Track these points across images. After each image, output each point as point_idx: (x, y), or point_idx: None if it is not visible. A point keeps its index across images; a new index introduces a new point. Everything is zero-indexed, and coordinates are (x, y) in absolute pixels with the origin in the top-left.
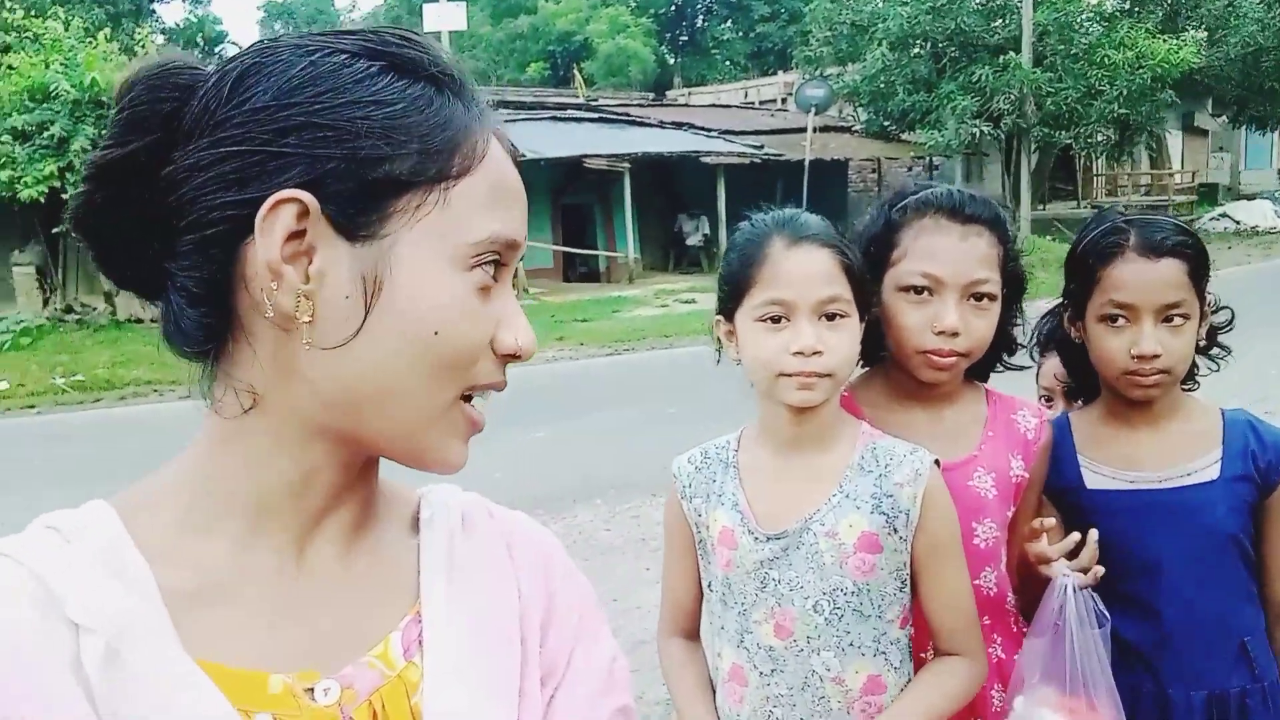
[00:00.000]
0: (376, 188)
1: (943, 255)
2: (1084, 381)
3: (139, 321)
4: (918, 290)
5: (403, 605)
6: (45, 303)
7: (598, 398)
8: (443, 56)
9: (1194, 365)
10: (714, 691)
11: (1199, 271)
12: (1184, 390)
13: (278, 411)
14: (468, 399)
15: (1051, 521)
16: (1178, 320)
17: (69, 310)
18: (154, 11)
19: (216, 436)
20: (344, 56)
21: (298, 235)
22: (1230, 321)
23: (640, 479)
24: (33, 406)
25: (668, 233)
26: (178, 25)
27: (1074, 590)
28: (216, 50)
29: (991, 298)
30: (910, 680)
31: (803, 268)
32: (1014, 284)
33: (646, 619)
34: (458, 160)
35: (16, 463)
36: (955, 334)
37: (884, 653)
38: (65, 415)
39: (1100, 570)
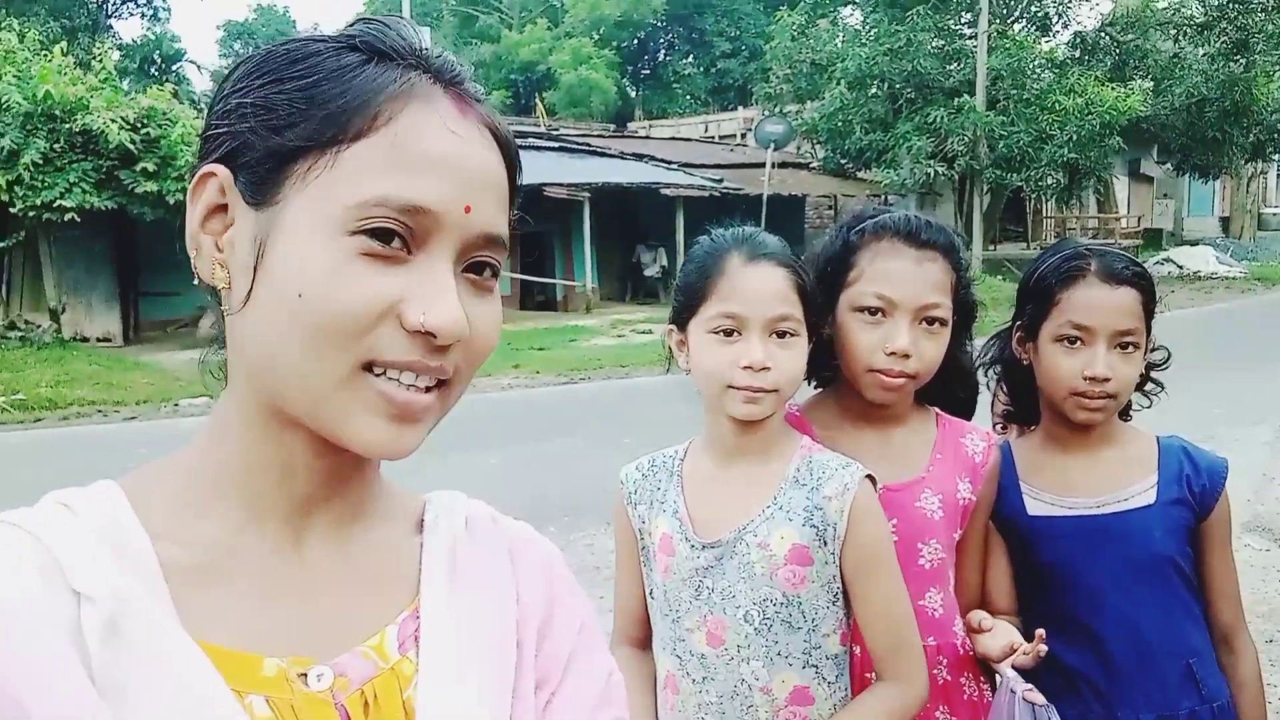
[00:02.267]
0: (277, 154)
1: (897, 278)
2: (1024, 406)
3: (84, 340)
4: (871, 311)
5: (401, 601)
6: None
7: (552, 425)
8: (389, 30)
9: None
10: None
11: (1149, 305)
12: (1121, 420)
13: (238, 388)
14: (380, 373)
15: (990, 621)
16: (1129, 348)
17: (12, 327)
18: (110, 27)
19: (211, 419)
20: (317, 45)
21: (222, 208)
22: (1166, 360)
23: (593, 507)
24: None
25: (626, 263)
26: (134, 41)
27: (1020, 698)
28: (174, 69)
29: (943, 322)
30: (844, 696)
31: (758, 284)
32: (964, 312)
33: None
34: (355, 123)
35: None
36: (906, 355)
37: (815, 665)
38: (4, 435)
39: (1043, 649)
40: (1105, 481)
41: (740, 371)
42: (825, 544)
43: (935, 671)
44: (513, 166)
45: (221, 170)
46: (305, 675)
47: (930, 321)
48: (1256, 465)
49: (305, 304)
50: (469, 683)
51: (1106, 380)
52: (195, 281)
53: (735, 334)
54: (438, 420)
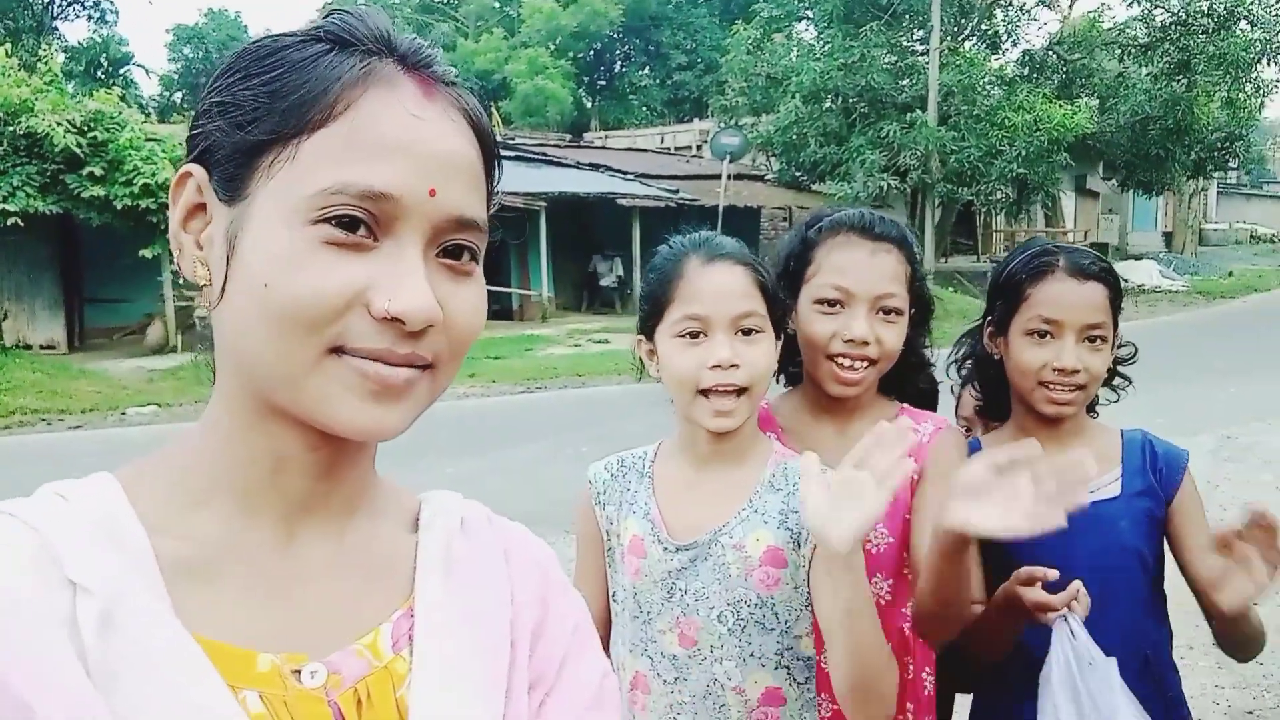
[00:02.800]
0: (243, 150)
1: (853, 270)
2: (995, 400)
3: (27, 347)
4: (830, 303)
5: (396, 599)
6: None
7: (509, 435)
8: (354, 19)
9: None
10: None
11: (1116, 300)
12: (1087, 415)
13: (226, 383)
14: (347, 355)
15: (1053, 573)
16: (1097, 341)
17: None
18: (56, 29)
19: (204, 415)
20: (284, 40)
21: (201, 207)
22: (1134, 356)
23: (552, 515)
24: None
25: (582, 273)
26: (81, 44)
27: (1076, 629)
28: (121, 72)
29: (899, 312)
30: (811, 697)
31: (719, 284)
32: (921, 305)
33: None
34: (314, 114)
35: None
36: (865, 343)
37: (786, 666)
38: None
39: (1088, 600)
40: None
41: (709, 372)
42: (799, 547)
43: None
44: (489, 150)
45: (198, 170)
46: (299, 672)
47: (887, 311)
48: (1200, 474)
49: (270, 293)
50: (462, 682)
51: (1075, 372)
52: (179, 280)
53: (701, 335)
54: (426, 404)
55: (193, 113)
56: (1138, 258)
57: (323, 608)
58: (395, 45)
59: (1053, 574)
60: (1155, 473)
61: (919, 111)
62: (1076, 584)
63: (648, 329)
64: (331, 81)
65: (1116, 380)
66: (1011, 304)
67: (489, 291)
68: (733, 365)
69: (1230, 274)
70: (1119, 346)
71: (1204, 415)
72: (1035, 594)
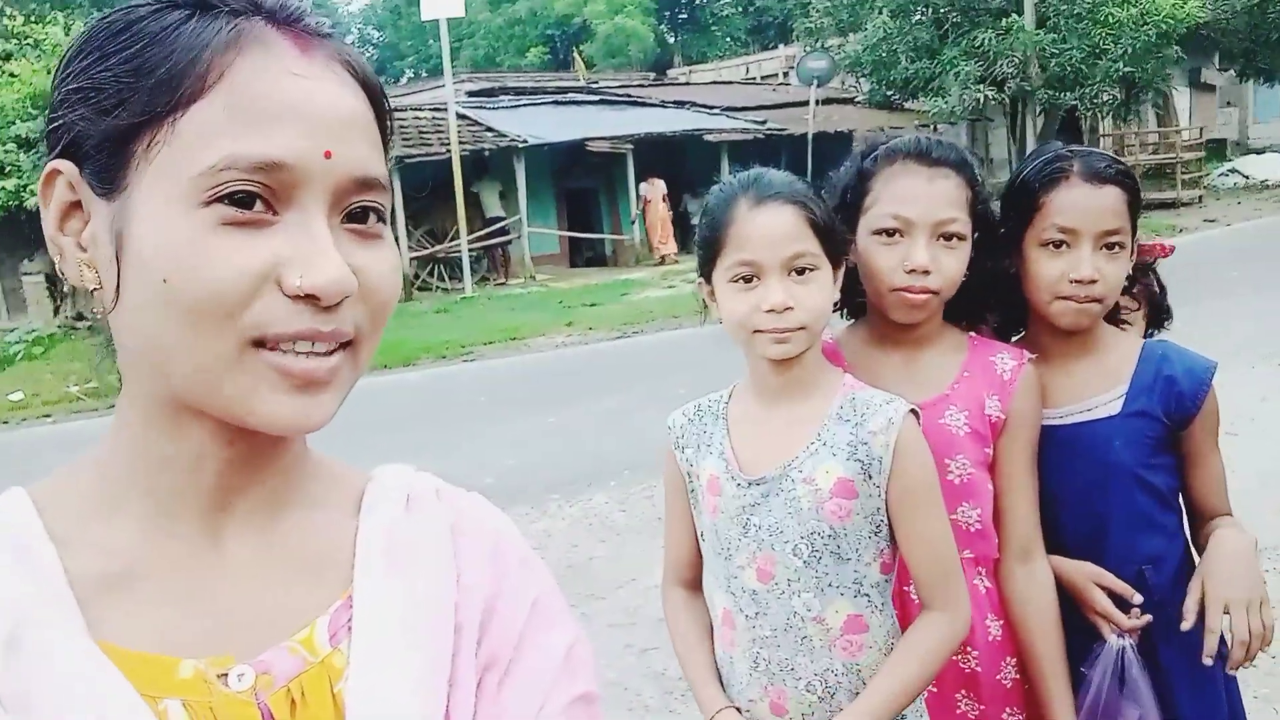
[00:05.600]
0: (113, 137)
1: (911, 197)
2: (1011, 316)
3: None
4: (889, 233)
5: (334, 590)
6: (56, 311)
7: (607, 381)
8: None
9: (1123, 305)
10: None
11: (1135, 203)
12: (1114, 326)
13: (132, 386)
14: (273, 347)
15: (1138, 597)
16: (1115, 248)
17: (80, 318)
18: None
19: (114, 419)
20: (138, 11)
21: (76, 205)
22: (1160, 259)
23: (651, 459)
24: (49, 416)
25: (675, 213)
26: None
27: (1128, 651)
28: None
29: (960, 237)
30: (894, 623)
31: (767, 227)
32: (986, 227)
33: None
34: (186, 86)
35: (36, 474)
36: (926, 272)
37: (865, 594)
38: (82, 423)
39: (1140, 624)
40: (1075, 392)
41: (763, 315)
42: (870, 478)
43: (975, 582)
44: (379, 102)
45: (66, 165)
46: (226, 676)
47: (948, 237)
48: None
49: (172, 288)
50: (402, 673)
51: (1093, 282)
52: (66, 289)
53: (754, 279)
54: (350, 385)
55: (50, 105)
56: (1260, 151)
57: (251, 607)
58: (261, 3)
59: (1137, 598)
60: (1169, 390)
61: (1015, 15)
62: (1147, 618)
63: (706, 272)
64: (199, 49)
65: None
66: (1025, 214)
67: (582, 239)
68: (787, 309)
69: None
70: (1160, 251)
71: None
72: (1105, 602)
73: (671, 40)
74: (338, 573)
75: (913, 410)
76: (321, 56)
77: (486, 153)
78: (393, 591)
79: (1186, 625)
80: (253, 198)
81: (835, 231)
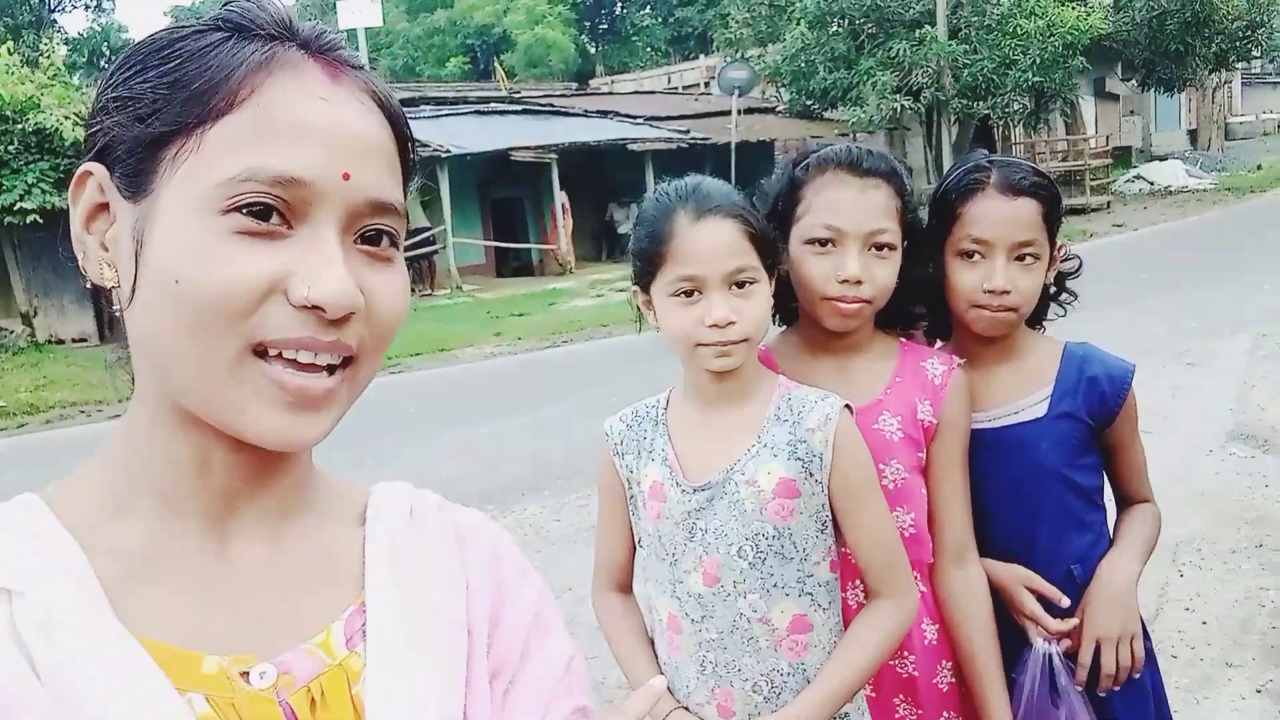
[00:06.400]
0: (144, 143)
1: (843, 207)
2: (940, 319)
3: (60, 342)
4: (821, 242)
5: (347, 596)
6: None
7: (538, 391)
8: (253, 7)
9: (1044, 307)
10: (652, 642)
11: (1052, 214)
12: (1036, 329)
13: (144, 387)
14: (270, 358)
15: (1065, 600)
16: (1029, 259)
17: None
18: (55, 22)
19: (124, 420)
20: (181, 30)
21: (104, 206)
22: (1078, 269)
23: (585, 468)
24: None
25: (599, 222)
26: (81, 35)
27: (1054, 658)
28: None
29: (891, 247)
30: (838, 621)
31: (710, 242)
32: (913, 234)
33: None
34: (217, 101)
35: None
36: (859, 282)
37: (809, 593)
38: None
39: (1067, 627)
40: (1001, 395)
41: (707, 330)
42: (812, 475)
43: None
44: (402, 133)
45: (98, 168)
46: (247, 674)
47: (879, 247)
48: (1237, 374)
49: (182, 289)
50: (418, 674)
51: (1006, 293)
52: (86, 285)
53: (696, 293)
54: (347, 405)
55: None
56: (1163, 158)
57: (267, 610)
58: (297, 31)
59: (1064, 601)
60: (1092, 392)
61: (928, 27)
62: (1073, 622)
63: (643, 282)
64: (234, 67)
65: (1064, 296)
66: (944, 223)
67: (509, 249)
68: (730, 323)
69: (1259, 168)
70: (1063, 260)
71: (1238, 315)
72: (1034, 606)
73: (593, 50)
74: (348, 579)
75: (846, 405)
76: (350, 85)
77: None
78: (404, 596)
79: (1080, 676)
80: (270, 210)
81: (771, 243)
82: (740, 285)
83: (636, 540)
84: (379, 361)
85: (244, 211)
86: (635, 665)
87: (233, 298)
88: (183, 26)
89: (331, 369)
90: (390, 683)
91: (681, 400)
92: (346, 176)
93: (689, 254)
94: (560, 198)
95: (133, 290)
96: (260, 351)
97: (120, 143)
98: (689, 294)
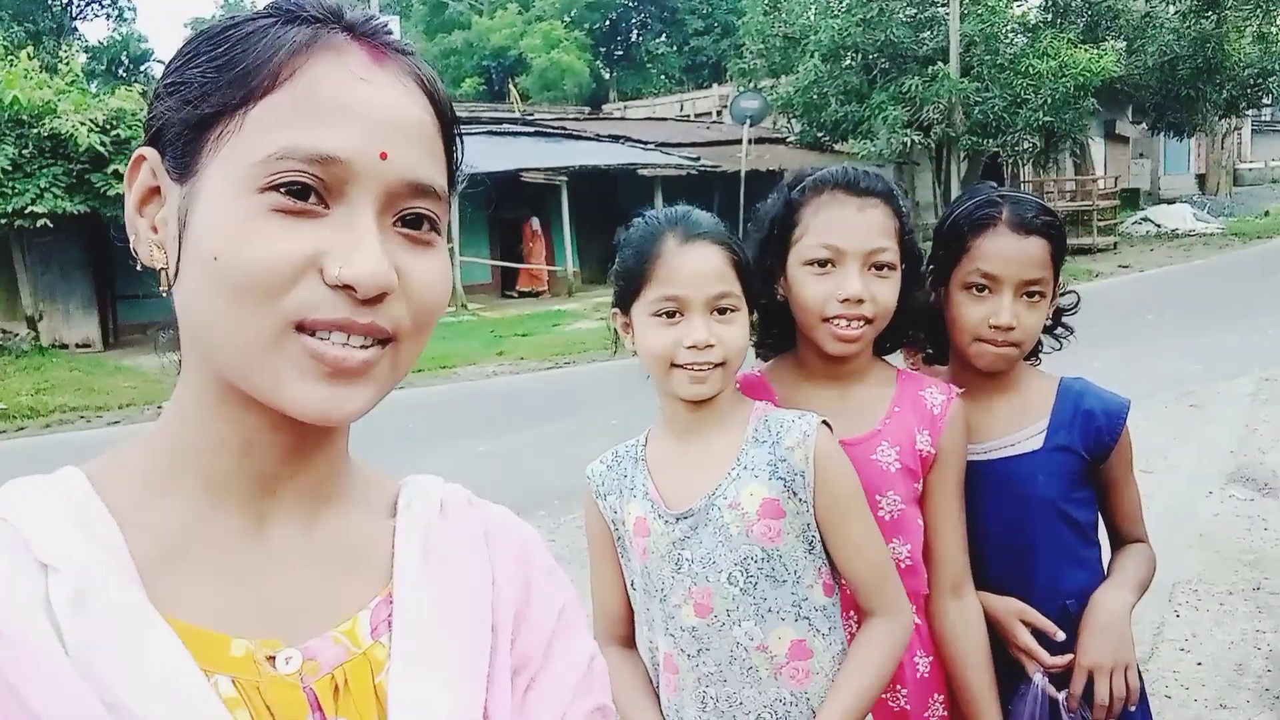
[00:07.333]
0: (191, 125)
1: (841, 227)
2: (940, 347)
3: (63, 347)
4: (821, 263)
5: (374, 585)
6: None
7: (539, 411)
8: None
9: (1039, 341)
10: (657, 692)
11: (1058, 253)
12: (1030, 363)
13: (190, 366)
14: (310, 334)
15: (1060, 634)
16: (1035, 297)
17: None
18: (76, 29)
19: (171, 399)
20: (235, 20)
21: (156, 190)
22: (1076, 305)
23: (582, 488)
24: None
25: (607, 245)
26: (101, 43)
27: (1045, 692)
28: (142, 69)
29: (891, 266)
30: (841, 649)
31: (695, 265)
32: (912, 259)
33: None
34: (260, 82)
35: None
36: (860, 301)
37: (806, 617)
38: None
39: (1063, 662)
40: (998, 428)
41: (685, 351)
42: (795, 494)
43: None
44: (446, 119)
45: (150, 152)
46: (273, 658)
47: (879, 266)
48: (1239, 417)
49: (220, 265)
50: (441, 668)
51: (1011, 329)
52: (138, 266)
53: (677, 315)
54: (389, 384)
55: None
56: (1170, 202)
57: (297, 595)
58: (343, 16)
59: (1059, 635)
60: (1088, 426)
61: (941, 64)
62: (1069, 657)
63: (624, 304)
64: (277, 49)
65: (1059, 330)
66: (952, 255)
67: (515, 269)
68: (708, 345)
69: (1266, 214)
70: (1062, 295)
71: (1242, 358)
72: (1029, 640)
73: (607, 76)
74: (377, 569)
75: (824, 422)
76: (394, 68)
77: None
78: (431, 589)
79: (1071, 704)
80: (307, 190)
81: (754, 276)
82: (722, 311)
83: (629, 585)
84: (422, 345)
85: (281, 190)
86: (636, 717)
87: (268, 274)
88: (236, 15)
89: (365, 346)
90: (413, 674)
91: (659, 435)
92: (384, 156)
93: (674, 274)
94: (533, 222)
95: (177, 269)
96: (301, 327)
97: (170, 126)
98: (670, 315)
